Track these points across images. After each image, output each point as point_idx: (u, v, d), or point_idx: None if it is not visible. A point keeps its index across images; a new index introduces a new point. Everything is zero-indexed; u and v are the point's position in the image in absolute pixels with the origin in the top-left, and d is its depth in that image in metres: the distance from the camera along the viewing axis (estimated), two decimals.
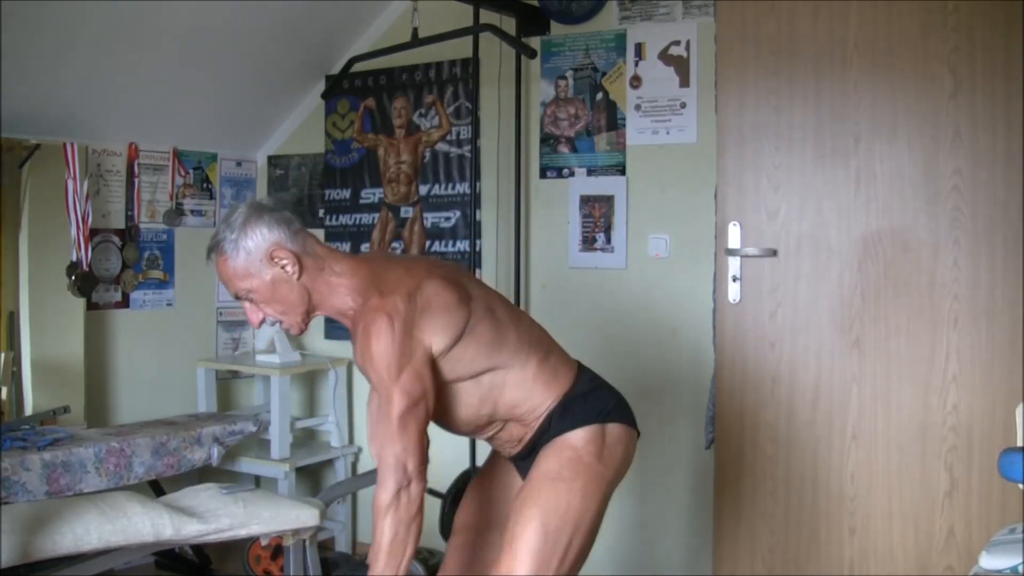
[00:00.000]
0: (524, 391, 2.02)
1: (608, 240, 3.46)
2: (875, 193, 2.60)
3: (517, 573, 1.90)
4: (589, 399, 2.06)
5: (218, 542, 2.67)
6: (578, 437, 2.00)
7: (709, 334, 3.08)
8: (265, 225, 1.92)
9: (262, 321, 2.00)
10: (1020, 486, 1.99)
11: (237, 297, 1.99)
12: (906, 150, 2.56)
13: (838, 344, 2.65)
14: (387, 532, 1.85)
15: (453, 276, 2.01)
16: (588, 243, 3.50)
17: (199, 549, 3.56)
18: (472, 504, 2.25)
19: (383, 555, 1.86)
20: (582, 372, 2.13)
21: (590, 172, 3.50)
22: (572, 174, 3.53)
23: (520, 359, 2.01)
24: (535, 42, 3.59)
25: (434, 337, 1.89)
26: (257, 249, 1.91)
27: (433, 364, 1.91)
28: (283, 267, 1.92)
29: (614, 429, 2.06)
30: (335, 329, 4.08)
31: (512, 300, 3.57)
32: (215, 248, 1.95)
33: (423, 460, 1.88)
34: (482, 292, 2.06)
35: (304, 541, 2.80)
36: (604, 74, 3.46)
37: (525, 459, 2.09)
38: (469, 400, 2.00)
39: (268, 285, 1.93)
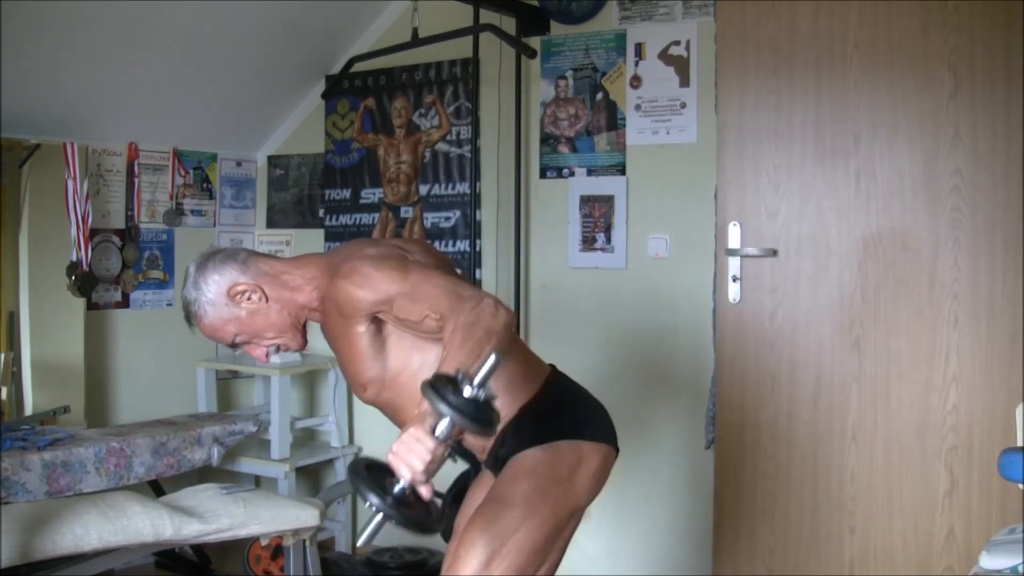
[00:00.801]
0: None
1: (608, 240, 3.46)
2: (875, 193, 2.60)
3: None
4: (550, 415, 1.92)
5: (218, 542, 2.67)
6: (534, 457, 1.86)
7: (709, 334, 3.08)
8: (214, 271, 1.96)
9: (268, 354, 2.03)
10: (1020, 486, 1.99)
11: (232, 346, 2.03)
12: (906, 150, 2.56)
13: (838, 344, 2.65)
14: (468, 325, 1.67)
15: (409, 251, 1.96)
16: (588, 243, 3.50)
17: (199, 549, 3.56)
18: (471, 506, 2.23)
19: (460, 342, 1.66)
20: (550, 384, 1.99)
21: (590, 172, 3.50)
22: (572, 174, 3.53)
23: None
24: (535, 42, 3.59)
25: (389, 285, 1.82)
26: (218, 296, 1.96)
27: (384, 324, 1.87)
28: (248, 299, 1.96)
29: (579, 447, 1.90)
30: None
31: (512, 300, 3.57)
32: (188, 316, 2.02)
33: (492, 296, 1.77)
34: (432, 261, 1.98)
35: (304, 541, 2.80)
36: (604, 74, 3.46)
37: (494, 468, 1.98)
38: (415, 395, 1.88)
39: (247, 322, 1.97)
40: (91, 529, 2.39)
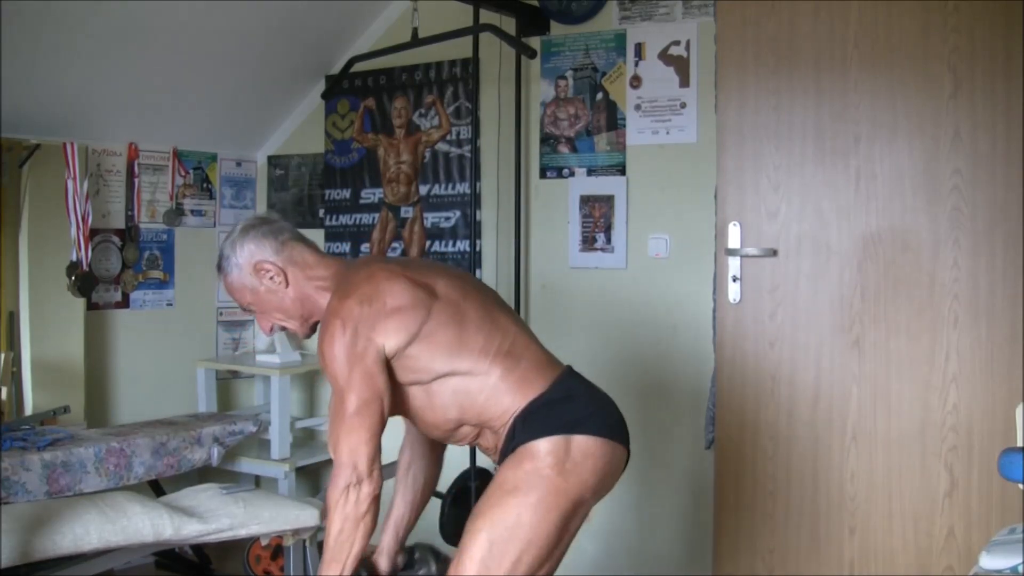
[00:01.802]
0: (489, 398, 1.96)
1: (608, 240, 3.46)
2: (875, 193, 2.60)
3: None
4: (556, 408, 1.95)
5: (218, 542, 2.67)
6: (538, 448, 1.90)
7: (709, 334, 3.08)
8: (252, 241, 2.07)
9: (272, 328, 2.13)
10: (1020, 486, 1.99)
11: (244, 308, 2.14)
12: (906, 150, 2.56)
13: (838, 344, 2.65)
14: (334, 528, 1.88)
15: (421, 277, 1.99)
16: (588, 243, 3.50)
17: (199, 549, 3.56)
18: None
19: (329, 551, 1.89)
20: (561, 380, 2.01)
21: (590, 172, 3.50)
22: (572, 174, 3.53)
23: (483, 366, 1.95)
24: (535, 42, 3.59)
25: (387, 338, 1.90)
26: (246, 264, 2.06)
27: (389, 365, 1.92)
28: (270, 278, 2.05)
29: (582, 441, 1.91)
30: None
31: (512, 300, 3.57)
32: (218, 267, 2.12)
33: (373, 460, 1.89)
34: (458, 294, 2.00)
35: (304, 541, 2.80)
36: (604, 74, 3.46)
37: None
38: (432, 404, 1.98)
39: (262, 296, 2.07)
40: (91, 529, 2.39)
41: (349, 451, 1.87)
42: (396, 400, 1.97)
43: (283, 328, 2.13)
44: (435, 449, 2.30)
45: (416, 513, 2.32)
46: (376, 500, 1.90)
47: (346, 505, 1.87)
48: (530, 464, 1.89)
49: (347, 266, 2.08)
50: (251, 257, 2.06)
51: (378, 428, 1.89)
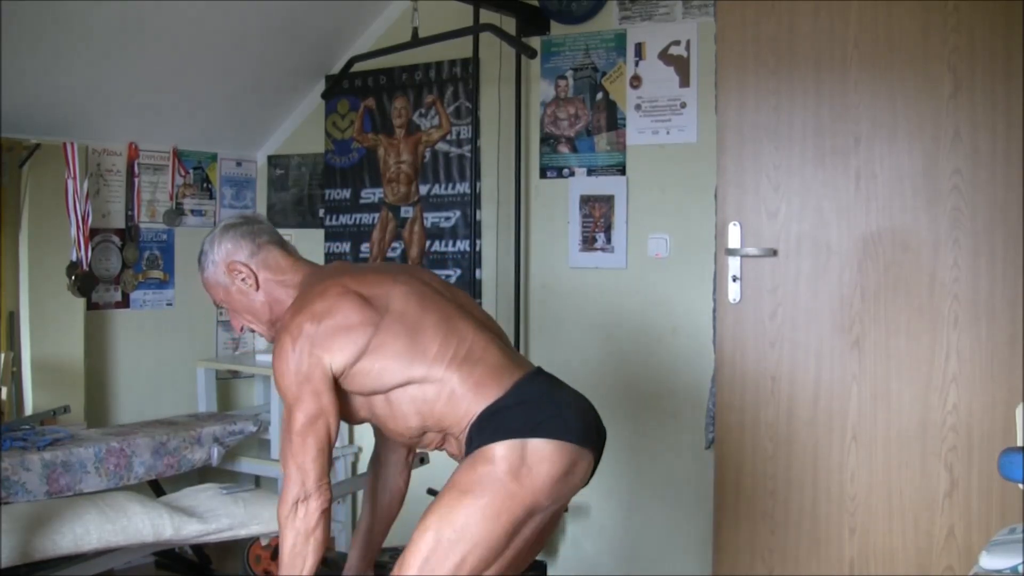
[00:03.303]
0: (447, 405, 1.95)
1: (608, 240, 3.46)
2: (875, 193, 2.60)
3: (403, 574, 1.88)
4: (512, 412, 1.92)
5: (218, 542, 2.67)
6: (494, 452, 1.88)
7: (709, 334, 3.08)
8: (230, 240, 2.09)
9: (242, 328, 2.17)
10: (1020, 486, 1.99)
11: (217, 305, 2.20)
12: (906, 150, 2.56)
13: (838, 344, 2.65)
14: (286, 543, 1.92)
15: (377, 289, 1.98)
16: (588, 243, 3.50)
17: (199, 549, 3.56)
18: None
19: (284, 567, 1.92)
20: (521, 384, 1.97)
21: (590, 172, 3.50)
22: (572, 174, 3.53)
23: (438, 372, 1.94)
24: (535, 42, 3.59)
25: (334, 356, 1.93)
26: (221, 262, 2.09)
27: (337, 382, 1.96)
28: (242, 280, 2.08)
29: (538, 445, 1.88)
30: None
31: (512, 300, 3.57)
32: (198, 262, 2.15)
33: (321, 476, 1.93)
34: (414, 302, 1.99)
35: None
36: (604, 74, 3.46)
37: None
38: (393, 412, 2.00)
39: (233, 296, 2.10)
40: (91, 529, 2.39)
41: (296, 467, 1.92)
42: (361, 409, 2.02)
43: (252, 330, 2.16)
44: (403, 458, 2.32)
45: (386, 524, 2.35)
46: (325, 514, 1.94)
47: (295, 520, 1.91)
48: (484, 467, 1.87)
49: (314, 274, 2.10)
50: (226, 256, 2.08)
51: (325, 444, 1.94)
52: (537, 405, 1.95)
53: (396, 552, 3.84)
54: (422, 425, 2.00)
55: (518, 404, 1.94)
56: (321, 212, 4.16)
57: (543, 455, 1.88)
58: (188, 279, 4.03)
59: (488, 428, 1.91)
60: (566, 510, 2.38)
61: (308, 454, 1.92)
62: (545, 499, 1.89)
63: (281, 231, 4.45)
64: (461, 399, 1.94)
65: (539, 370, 2.06)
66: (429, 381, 1.95)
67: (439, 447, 2.08)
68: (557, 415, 1.94)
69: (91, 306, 3.68)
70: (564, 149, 3.56)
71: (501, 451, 1.87)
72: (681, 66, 3.31)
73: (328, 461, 1.97)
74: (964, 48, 2.48)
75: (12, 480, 2.75)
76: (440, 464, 2.34)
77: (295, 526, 1.92)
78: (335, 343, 1.93)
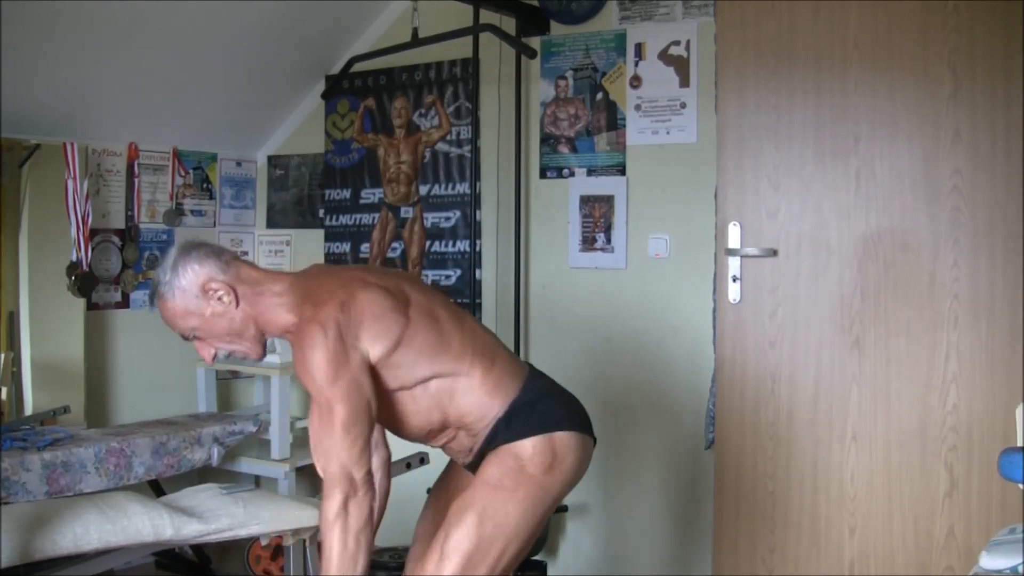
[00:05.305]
0: (471, 399, 1.98)
1: (608, 240, 3.46)
2: (875, 193, 2.60)
3: (442, 572, 1.88)
4: (536, 408, 1.99)
5: (218, 542, 2.67)
6: (524, 448, 1.95)
7: (709, 334, 3.08)
8: (195, 261, 1.96)
9: (214, 356, 2.04)
10: (1020, 486, 1.99)
11: (185, 338, 2.03)
12: (906, 150, 2.56)
13: (838, 344, 2.65)
14: (336, 546, 1.83)
15: (390, 284, 1.98)
16: (588, 243, 3.50)
17: (199, 549, 3.56)
18: (430, 514, 2.21)
19: (334, 570, 1.83)
20: (532, 379, 2.06)
21: (590, 172, 3.50)
22: (572, 174, 3.53)
23: (464, 366, 1.97)
24: (535, 42, 3.59)
25: (371, 345, 1.88)
26: (191, 286, 1.95)
27: (373, 372, 1.89)
28: (219, 298, 1.95)
29: (563, 438, 1.98)
30: None
31: (512, 300, 3.57)
32: (154, 294, 1.99)
33: (369, 469, 1.87)
34: (424, 298, 2.02)
35: (304, 541, 2.80)
36: (604, 74, 3.46)
37: (477, 467, 2.05)
38: (417, 408, 1.98)
39: (209, 319, 1.97)
40: (91, 529, 2.39)
41: (342, 465, 1.83)
42: (380, 409, 1.94)
43: (228, 354, 2.04)
44: (386, 460, 2.24)
45: (375, 526, 2.30)
46: (374, 510, 1.89)
47: (347, 521, 1.83)
48: (517, 463, 1.94)
49: (302, 278, 2.03)
50: (196, 277, 1.95)
51: (369, 436, 1.88)
52: (554, 400, 2.04)
53: (396, 552, 3.85)
54: (443, 420, 2.00)
55: (539, 399, 2.01)
56: (321, 212, 4.16)
57: (570, 447, 1.98)
58: None
59: (516, 423, 1.97)
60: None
61: (355, 448, 1.84)
62: (569, 488, 2.00)
63: (281, 231, 4.50)
64: (485, 395, 1.97)
65: (532, 366, 2.14)
66: (456, 375, 1.97)
67: (446, 443, 2.08)
68: (570, 408, 2.05)
69: (91, 306, 3.68)
70: (564, 149, 3.56)
71: (533, 447, 1.95)
72: (681, 66, 3.31)
73: (371, 453, 1.90)
74: (964, 48, 2.48)
75: (12, 480, 2.75)
76: (441, 464, 2.33)
77: (347, 527, 1.83)
78: (371, 331, 1.88)
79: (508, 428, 1.97)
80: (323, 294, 1.92)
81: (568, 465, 1.98)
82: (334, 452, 1.83)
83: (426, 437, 2.07)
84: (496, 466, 1.94)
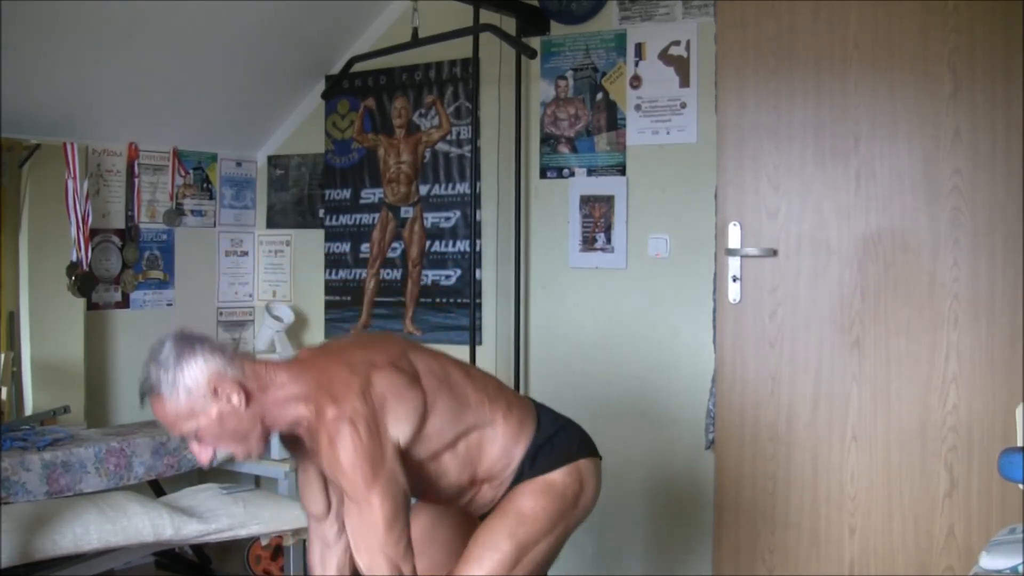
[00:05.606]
0: (497, 447, 2.01)
1: (608, 240, 3.46)
2: (875, 193, 2.60)
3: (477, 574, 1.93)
4: (555, 441, 2.06)
5: (218, 542, 2.68)
6: (555, 478, 2.03)
7: (709, 334, 3.08)
8: (200, 357, 1.78)
9: (212, 458, 1.89)
10: (1020, 486, 1.99)
11: (185, 439, 1.86)
12: (906, 150, 2.56)
13: (838, 344, 2.65)
14: None
15: (397, 358, 1.95)
16: (588, 243, 3.50)
17: (199, 549, 3.56)
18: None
19: None
20: (542, 413, 2.12)
21: (590, 172, 3.50)
22: (572, 174, 3.53)
23: (485, 416, 2.00)
24: (535, 42, 3.59)
25: (399, 430, 1.86)
26: (197, 386, 1.77)
27: (403, 455, 1.87)
28: (228, 398, 1.80)
29: (586, 465, 2.09)
30: (335, 329, 4.09)
31: (512, 300, 3.57)
32: (149, 391, 1.80)
33: (414, 562, 1.86)
34: (428, 359, 2.01)
35: (304, 541, 2.81)
36: (604, 74, 3.46)
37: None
38: (448, 469, 1.99)
39: (215, 421, 1.80)
40: (91, 529, 2.40)
41: (390, 562, 1.81)
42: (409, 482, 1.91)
43: (228, 455, 1.93)
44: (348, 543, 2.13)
45: None
46: None
47: None
48: (551, 492, 2.01)
49: (304, 366, 1.92)
50: (202, 375, 1.77)
51: (408, 526, 1.87)
52: (568, 430, 2.13)
53: None
54: (472, 477, 2.03)
55: (556, 432, 2.08)
56: (321, 212, 4.16)
57: (591, 472, 2.10)
58: (188, 279, 4.03)
59: (540, 459, 2.03)
60: None
61: (401, 544, 1.82)
62: (587, 514, 2.11)
63: (281, 231, 4.51)
64: (509, 439, 2.02)
65: (533, 399, 2.22)
66: (479, 428, 2.00)
67: (472, 499, 2.08)
68: (582, 435, 2.15)
69: (91, 306, 3.68)
70: (564, 149, 3.56)
71: (564, 477, 2.03)
72: (681, 66, 3.31)
73: (412, 546, 1.89)
74: (964, 48, 2.48)
75: (12, 480, 2.75)
76: None
77: None
78: (396, 415, 1.86)
79: (533, 466, 2.03)
80: (337, 384, 1.84)
81: (592, 488, 2.08)
82: (380, 550, 1.81)
83: (453, 499, 2.08)
84: (529, 496, 2.00)
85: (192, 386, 1.77)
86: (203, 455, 1.86)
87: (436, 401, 1.93)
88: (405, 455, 1.87)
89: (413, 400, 1.89)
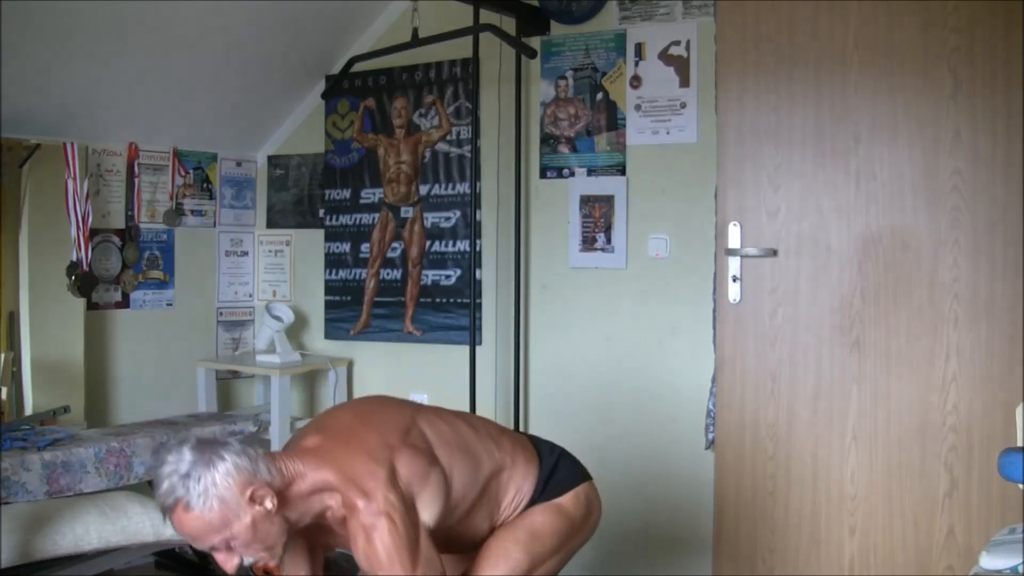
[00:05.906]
0: (511, 488, 2.11)
1: (608, 240, 3.46)
2: (875, 193, 2.60)
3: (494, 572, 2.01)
4: (558, 470, 2.18)
5: None
6: (565, 503, 2.14)
7: (709, 334, 3.08)
8: (229, 463, 1.69)
9: (239, 565, 1.77)
10: (1020, 486, 1.99)
11: (213, 549, 1.75)
12: (906, 150, 2.56)
13: (838, 344, 2.65)
14: None
15: (408, 434, 1.94)
16: (588, 243, 3.50)
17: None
18: None
19: None
20: (539, 446, 2.23)
21: (590, 172, 3.50)
22: (572, 174, 3.53)
23: (496, 462, 2.09)
24: (535, 42, 3.59)
25: (428, 514, 1.89)
26: (232, 495, 1.68)
27: (435, 530, 1.92)
28: (263, 503, 1.72)
29: (588, 488, 2.21)
30: (335, 329, 4.09)
31: (512, 300, 3.57)
32: (175, 505, 1.69)
33: None
34: (438, 423, 2.04)
35: None
36: (604, 74, 3.46)
37: None
38: (475, 522, 2.07)
39: (249, 528, 1.71)
40: (91, 529, 2.40)
41: None
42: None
43: (253, 562, 1.81)
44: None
45: None
46: None
47: None
48: (560, 516, 2.11)
49: (319, 455, 1.85)
50: (236, 484, 1.68)
51: None
52: (566, 457, 2.23)
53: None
54: (491, 525, 2.11)
55: (556, 461, 2.19)
56: (321, 212, 4.16)
57: (592, 494, 2.22)
58: (188, 279, 4.04)
59: (548, 489, 2.13)
60: None
61: None
62: (591, 534, 2.22)
63: (281, 231, 4.51)
64: (520, 477, 2.12)
65: (527, 433, 2.39)
66: (495, 474, 2.08)
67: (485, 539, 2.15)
68: (576, 460, 2.25)
69: (91, 306, 3.68)
70: (564, 149, 3.56)
71: (572, 501, 2.15)
72: (681, 66, 3.31)
73: None
74: (964, 48, 2.48)
75: (12, 480, 2.75)
76: None
77: None
78: (423, 498, 1.88)
79: (543, 494, 2.13)
80: (362, 475, 1.80)
81: (597, 511, 2.22)
82: None
83: (478, 545, 2.12)
84: (540, 514, 2.09)
85: (226, 495, 1.68)
86: (229, 563, 1.76)
87: (454, 469, 1.98)
88: (437, 528, 1.92)
89: (436, 480, 1.92)
